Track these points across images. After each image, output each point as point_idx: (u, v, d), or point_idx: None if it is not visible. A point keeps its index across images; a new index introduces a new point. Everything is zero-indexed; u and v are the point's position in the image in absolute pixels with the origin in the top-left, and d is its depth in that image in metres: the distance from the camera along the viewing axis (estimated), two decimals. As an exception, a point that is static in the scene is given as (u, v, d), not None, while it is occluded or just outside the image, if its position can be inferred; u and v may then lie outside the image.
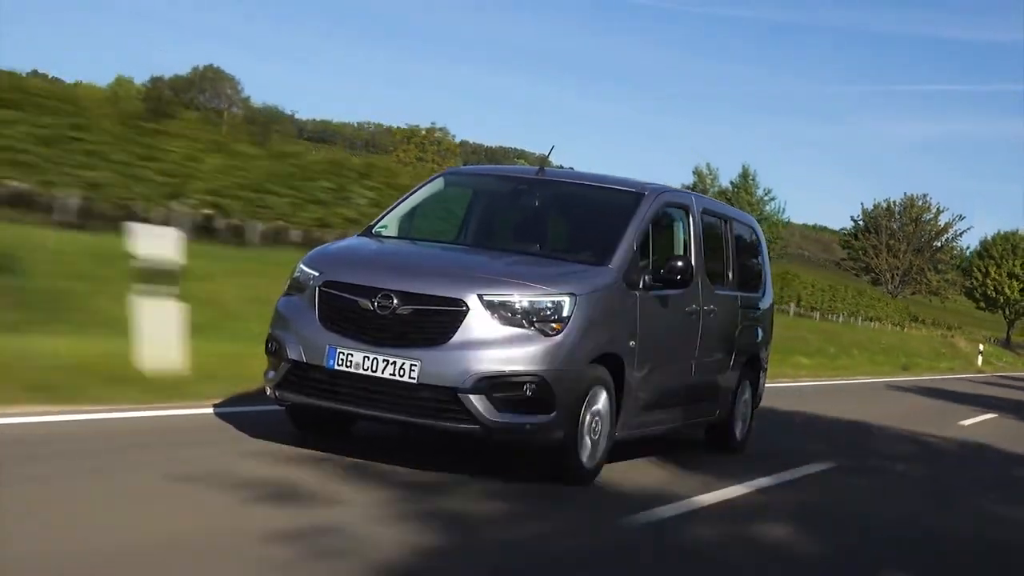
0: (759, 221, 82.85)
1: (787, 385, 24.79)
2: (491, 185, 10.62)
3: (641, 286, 9.18)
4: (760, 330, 12.29)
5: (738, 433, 12.20)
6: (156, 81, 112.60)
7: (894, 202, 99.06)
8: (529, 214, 10.15)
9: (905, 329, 76.09)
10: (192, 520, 6.45)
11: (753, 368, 12.20)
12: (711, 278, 10.80)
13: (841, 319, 66.01)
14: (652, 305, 9.40)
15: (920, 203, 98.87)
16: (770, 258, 12.05)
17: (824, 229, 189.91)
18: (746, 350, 11.81)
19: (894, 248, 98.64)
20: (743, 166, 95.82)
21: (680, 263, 9.47)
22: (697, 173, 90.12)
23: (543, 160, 10.32)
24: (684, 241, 10.40)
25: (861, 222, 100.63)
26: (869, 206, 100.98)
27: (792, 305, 60.91)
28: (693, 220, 10.50)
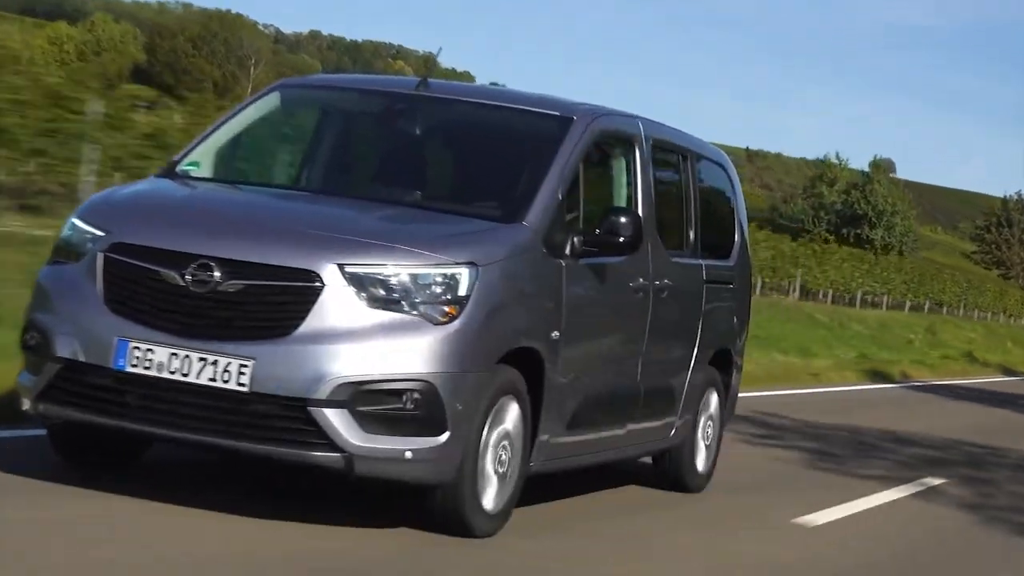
0: (891, 216, 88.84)
1: None
2: (350, 104, 9.56)
3: (568, 252, 8.28)
4: (733, 314, 11.05)
5: (700, 463, 10.69)
6: (160, 31, 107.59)
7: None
8: (406, 147, 9.21)
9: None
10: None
11: (723, 368, 10.89)
12: (666, 240, 9.67)
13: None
14: (584, 279, 8.52)
15: None
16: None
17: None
18: (714, 342, 10.54)
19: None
20: (874, 156, 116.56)
21: (624, 219, 8.46)
22: (825, 163, 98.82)
23: (428, 66, 9.06)
24: (629, 187, 9.33)
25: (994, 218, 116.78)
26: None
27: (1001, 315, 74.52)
28: (641, 157, 9.32)
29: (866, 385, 25.98)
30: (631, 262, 8.98)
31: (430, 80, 9.21)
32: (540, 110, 8.99)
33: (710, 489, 10.70)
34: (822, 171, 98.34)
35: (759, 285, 40.29)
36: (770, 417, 16.52)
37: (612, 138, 9.26)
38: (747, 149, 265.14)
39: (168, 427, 7.19)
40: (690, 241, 10.27)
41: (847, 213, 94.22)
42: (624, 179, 9.36)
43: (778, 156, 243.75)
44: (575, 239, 8.29)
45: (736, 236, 11.23)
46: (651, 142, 9.56)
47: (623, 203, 9.20)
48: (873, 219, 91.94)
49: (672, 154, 10.14)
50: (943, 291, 63.51)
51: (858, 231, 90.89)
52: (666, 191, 9.97)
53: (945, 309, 62.30)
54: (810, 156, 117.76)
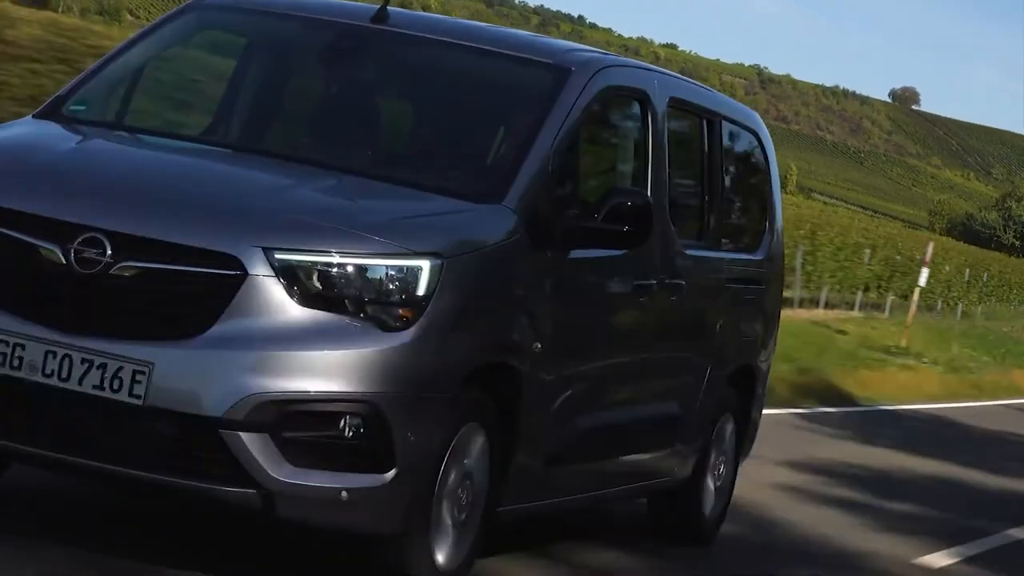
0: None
1: None
2: (288, 34, 8.67)
3: (558, 242, 7.58)
4: (760, 322, 10.19)
5: (707, 508, 9.91)
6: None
7: None
8: (356, 95, 8.34)
9: None
10: None
11: (743, 389, 10.05)
12: (680, 227, 8.88)
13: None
14: (575, 277, 7.82)
15: None
16: None
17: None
18: (733, 357, 9.71)
19: None
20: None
21: (632, 202, 7.60)
22: (1015, 182, 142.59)
23: None
24: (637, 160, 8.53)
25: None
26: None
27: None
28: (655, 121, 8.51)
29: None
30: (635, 255, 8.21)
31: (391, 9, 8.33)
32: (531, 56, 8.18)
33: (718, 541, 9.95)
34: (1011, 188, 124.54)
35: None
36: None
37: (621, 94, 8.47)
38: (759, 70, 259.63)
39: (37, 444, 6.56)
40: (710, 229, 9.47)
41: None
42: (632, 149, 8.63)
43: (790, 80, 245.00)
44: (567, 226, 7.60)
45: (768, 223, 10.37)
46: (668, 102, 8.76)
47: (629, 180, 8.53)
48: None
49: (694, 117, 9.36)
50: None
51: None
52: (684, 165, 9.24)
53: None
54: (828, 83, 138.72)
